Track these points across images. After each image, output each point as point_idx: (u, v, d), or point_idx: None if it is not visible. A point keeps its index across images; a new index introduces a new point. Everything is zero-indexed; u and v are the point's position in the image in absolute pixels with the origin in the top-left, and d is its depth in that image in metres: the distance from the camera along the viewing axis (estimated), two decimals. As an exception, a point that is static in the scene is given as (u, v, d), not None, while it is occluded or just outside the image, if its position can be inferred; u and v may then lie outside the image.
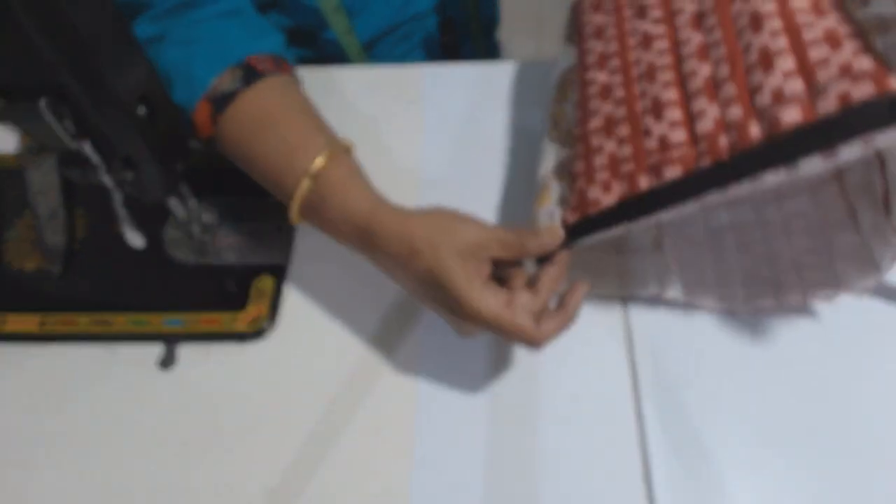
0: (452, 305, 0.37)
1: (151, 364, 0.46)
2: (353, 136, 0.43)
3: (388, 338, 0.46)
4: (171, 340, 0.46)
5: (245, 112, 0.43)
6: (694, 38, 0.38)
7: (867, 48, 0.30)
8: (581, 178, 0.40)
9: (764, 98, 0.32)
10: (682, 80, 0.37)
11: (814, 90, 0.30)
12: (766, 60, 0.33)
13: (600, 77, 0.42)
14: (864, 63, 0.29)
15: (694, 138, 0.35)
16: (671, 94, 0.37)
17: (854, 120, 0.29)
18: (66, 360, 0.46)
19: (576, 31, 0.47)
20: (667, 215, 0.35)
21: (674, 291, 0.44)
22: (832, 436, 0.41)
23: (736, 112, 0.33)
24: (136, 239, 0.45)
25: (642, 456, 0.41)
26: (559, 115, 0.45)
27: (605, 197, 0.38)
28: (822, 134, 0.29)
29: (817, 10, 0.33)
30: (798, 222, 0.44)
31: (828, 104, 0.30)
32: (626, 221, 0.37)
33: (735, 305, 0.44)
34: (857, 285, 0.40)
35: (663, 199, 0.35)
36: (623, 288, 0.45)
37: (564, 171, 0.42)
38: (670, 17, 0.40)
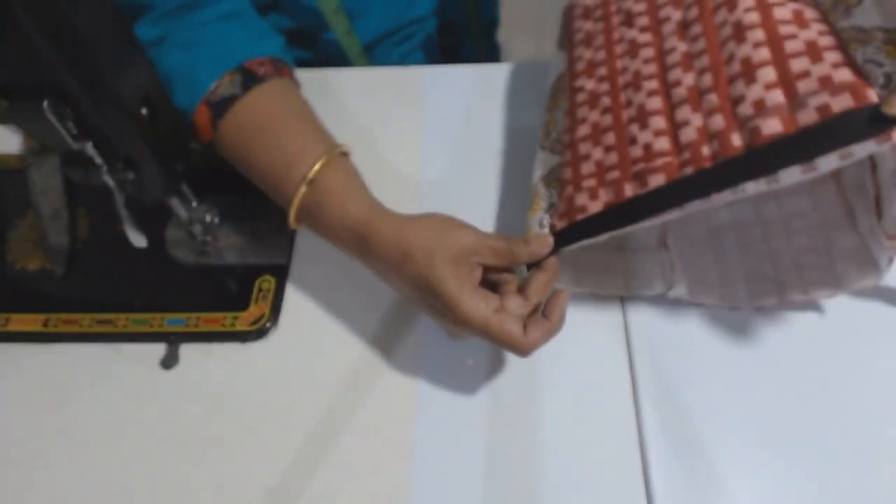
0: (443, 310, 0.37)
1: (153, 364, 0.46)
2: (352, 138, 0.44)
3: (388, 338, 0.46)
4: (173, 340, 0.46)
5: (244, 117, 0.43)
6: (679, 47, 0.38)
7: (848, 60, 0.30)
8: (569, 186, 0.40)
9: (746, 109, 0.33)
10: (667, 89, 0.37)
11: (794, 102, 0.31)
12: (749, 71, 0.33)
13: (588, 85, 0.42)
14: (844, 75, 0.30)
15: (678, 147, 0.35)
16: (656, 103, 0.37)
17: (833, 132, 0.29)
18: (69, 359, 0.46)
19: (566, 38, 0.47)
20: (654, 221, 0.35)
21: (679, 290, 0.44)
22: (832, 436, 0.40)
23: (718, 122, 0.34)
24: (138, 239, 0.45)
25: (641, 455, 0.41)
26: (550, 122, 0.46)
27: (592, 204, 0.38)
28: (802, 146, 0.30)
29: (800, 21, 0.33)
30: (798, 221, 0.44)
31: (808, 116, 0.30)
32: (613, 228, 0.37)
33: (738, 304, 0.44)
34: (857, 285, 0.40)
35: (648, 207, 0.35)
36: (628, 288, 0.45)
37: (553, 179, 0.42)
38: (657, 25, 0.40)
